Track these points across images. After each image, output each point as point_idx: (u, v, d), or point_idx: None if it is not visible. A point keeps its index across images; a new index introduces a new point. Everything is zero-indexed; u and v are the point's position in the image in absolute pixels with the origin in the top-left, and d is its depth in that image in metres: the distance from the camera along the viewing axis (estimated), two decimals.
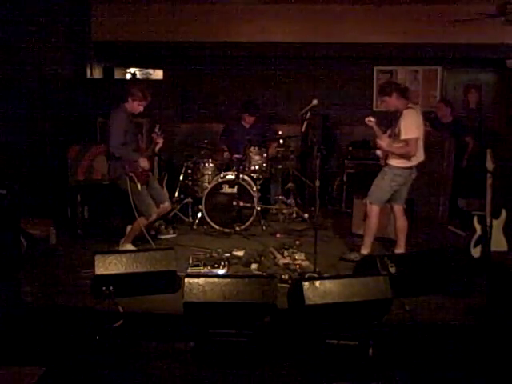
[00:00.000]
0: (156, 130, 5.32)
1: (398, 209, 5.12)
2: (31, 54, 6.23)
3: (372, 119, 4.86)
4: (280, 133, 6.82)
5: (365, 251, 5.02)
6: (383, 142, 4.89)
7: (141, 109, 5.10)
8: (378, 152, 5.05)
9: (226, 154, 6.70)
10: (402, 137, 4.80)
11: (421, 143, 4.92)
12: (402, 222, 5.11)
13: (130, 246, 5.18)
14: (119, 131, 4.97)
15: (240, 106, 6.99)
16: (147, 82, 8.32)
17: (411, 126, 4.80)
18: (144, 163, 5.07)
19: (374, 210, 4.99)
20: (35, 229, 5.41)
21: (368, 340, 3.47)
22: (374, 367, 3.39)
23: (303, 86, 8.01)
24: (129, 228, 5.26)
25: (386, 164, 4.95)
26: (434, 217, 6.53)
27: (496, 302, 3.88)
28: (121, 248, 5.14)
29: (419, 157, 4.95)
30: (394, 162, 4.89)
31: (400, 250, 5.11)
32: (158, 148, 5.37)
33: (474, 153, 6.83)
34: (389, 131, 5.00)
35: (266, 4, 7.51)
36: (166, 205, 5.40)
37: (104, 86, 7.48)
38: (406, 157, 4.84)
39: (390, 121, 5.05)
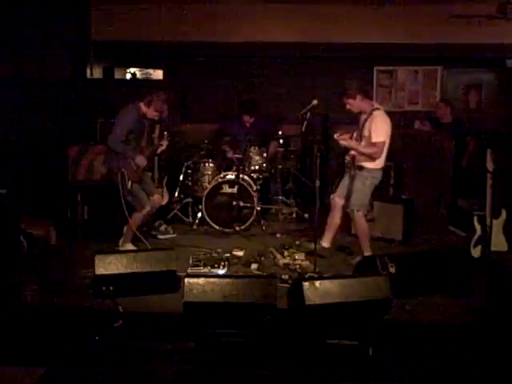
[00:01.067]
0: (165, 134, 5.35)
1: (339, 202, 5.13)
2: (31, 53, 6.23)
3: (344, 137, 4.85)
4: (280, 133, 6.81)
5: (367, 253, 4.99)
6: (348, 141, 4.85)
7: (154, 116, 5.13)
8: (347, 158, 5.04)
9: (229, 153, 6.68)
10: (373, 139, 4.77)
11: (388, 146, 4.90)
12: (363, 226, 5.07)
13: (129, 246, 5.19)
14: (123, 128, 4.96)
15: (238, 105, 6.99)
16: (147, 81, 8.33)
17: (381, 129, 4.79)
18: (141, 161, 5.06)
19: (360, 216, 4.98)
20: (35, 229, 5.40)
21: (368, 340, 3.47)
22: (373, 367, 3.39)
23: (303, 86, 8.00)
24: (125, 229, 5.25)
25: (361, 168, 4.90)
26: (434, 217, 6.53)
27: (496, 302, 3.88)
28: (121, 248, 5.15)
29: (384, 159, 4.94)
30: (371, 164, 4.87)
31: (326, 243, 5.13)
32: (160, 150, 5.38)
33: (473, 153, 6.83)
34: (355, 134, 4.97)
35: (265, 4, 7.51)
36: (156, 197, 5.37)
37: (104, 86, 7.48)
38: (372, 158, 4.83)
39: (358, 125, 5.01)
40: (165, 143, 5.31)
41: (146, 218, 5.33)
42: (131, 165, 5.00)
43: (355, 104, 4.86)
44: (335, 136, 4.89)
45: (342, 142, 4.86)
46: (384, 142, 4.81)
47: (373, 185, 4.95)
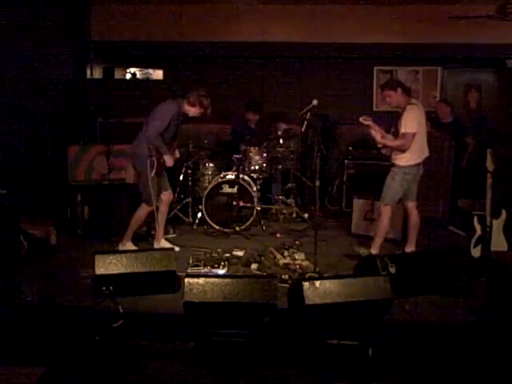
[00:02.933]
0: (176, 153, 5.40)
1: (411, 205, 5.16)
2: (31, 54, 6.22)
3: (368, 118, 4.88)
4: (283, 127, 6.79)
5: (374, 251, 5.05)
6: (377, 133, 4.91)
7: (196, 114, 5.16)
8: (384, 150, 5.09)
9: (242, 146, 6.62)
10: (402, 130, 4.83)
11: (424, 139, 4.95)
12: (415, 218, 5.18)
13: (130, 245, 5.19)
14: (164, 121, 4.96)
15: (244, 105, 7.01)
16: (147, 81, 8.33)
17: (412, 121, 4.82)
18: (170, 161, 5.09)
19: (387, 212, 5.03)
20: (35, 229, 5.40)
21: (368, 340, 3.47)
22: (373, 367, 3.39)
23: (303, 86, 8.00)
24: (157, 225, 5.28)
25: (394, 164, 4.97)
26: (434, 217, 6.53)
27: (496, 302, 3.88)
28: (121, 246, 5.16)
29: (425, 152, 4.98)
30: (401, 161, 4.92)
31: (411, 247, 5.18)
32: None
33: (473, 153, 6.83)
34: (392, 129, 5.04)
35: (265, 4, 7.51)
36: (168, 193, 5.39)
37: (104, 86, 7.48)
38: (402, 151, 4.86)
39: (395, 121, 5.07)
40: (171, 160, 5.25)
41: (162, 216, 5.35)
42: (160, 159, 5.02)
43: (395, 97, 4.92)
44: (361, 119, 4.89)
45: (372, 132, 4.89)
46: (413, 134, 4.80)
47: (404, 181, 4.95)
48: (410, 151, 4.87)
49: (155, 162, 4.99)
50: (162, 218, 5.34)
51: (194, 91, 5.13)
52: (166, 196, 5.36)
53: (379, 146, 5.08)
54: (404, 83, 5.16)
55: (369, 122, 4.87)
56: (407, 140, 4.80)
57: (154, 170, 5.00)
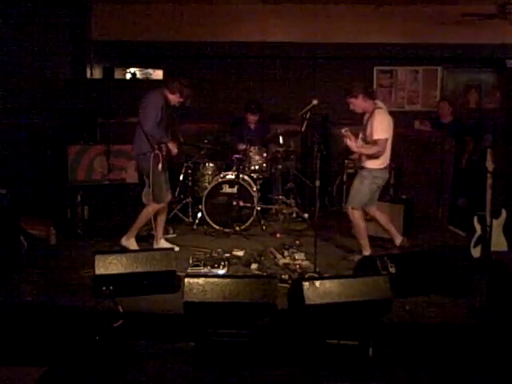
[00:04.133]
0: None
1: (374, 209, 5.21)
2: (31, 54, 6.23)
3: (347, 129, 4.91)
4: (279, 131, 6.80)
5: (367, 252, 5.05)
6: (352, 143, 4.90)
7: (180, 100, 5.12)
8: (353, 156, 5.10)
9: (241, 146, 6.64)
10: (374, 137, 4.83)
11: (389, 144, 4.95)
12: (382, 217, 5.24)
13: (133, 241, 5.18)
14: (157, 111, 4.93)
15: (244, 106, 7.01)
16: (147, 81, 8.33)
17: (382, 127, 4.83)
18: (174, 147, 5.09)
19: (357, 214, 5.02)
20: (35, 229, 5.40)
21: (368, 340, 3.46)
22: (373, 367, 3.39)
23: (303, 86, 8.00)
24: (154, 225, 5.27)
25: (362, 167, 4.97)
26: (434, 217, 6.54)
27: (496, 302, 3.88)
28: (124, 241, 5.17)
29: (388, 158, 4.99)
30: (371, 164, 4.92)
31: (399, 239, 5.21)
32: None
33: (474, 153, 6.83)
34: (360, 134, 5.03)
35: (265, 4, 7.51)
36: (169, 193, 5.37)
37: (104, 85, 7.48)
38: (376, 157, 4.88)
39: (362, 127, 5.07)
40: (175, 146, 5.23)
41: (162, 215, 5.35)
42: (163, 150, 5.01)
43: (357, 103, 4.92)
44: (343, 130, 4.91)
45: (347, 141, 4.89)
46: (385, 140, 4.83)
47: (374, 184, 4.97)
48: (385, 154, 4.92)
49: (160, 156, 4.98)
50: (161, 218, 5.33)
51: (176, 79, 5.10)
52: (168, 197, 5.35)
53: (354, 156, 5.11)
54: (368, 86, 5.12)
55: (348, 133, 4.89)
56: (381, 146, 4.82)
57: (161, 164, 4.99)
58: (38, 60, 6.38)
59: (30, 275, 4.56)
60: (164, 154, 5.04)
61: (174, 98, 5.10)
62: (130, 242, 5.17)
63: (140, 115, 5.00)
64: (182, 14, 7.55)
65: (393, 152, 5.53)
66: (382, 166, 4.94)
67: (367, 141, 4.92)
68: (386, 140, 4.83)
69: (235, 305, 3.55)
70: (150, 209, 5.16)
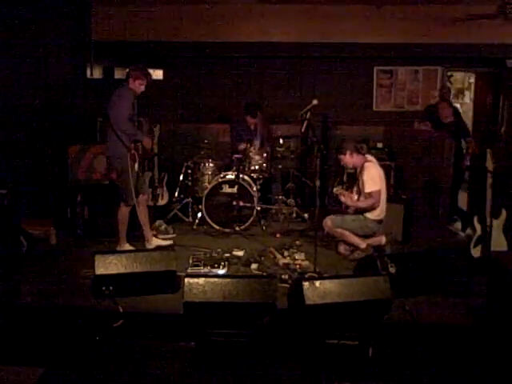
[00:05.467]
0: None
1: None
2: (31, 54, 6.22)
3: (337, 188, 5.30)
4: (279, 133, 6.81)
5: (363, 246, 5.12)
6: (346, 199, 5.17)
7: (143, 88, 5.13)
8: (349, 210, 5.33)
9: (240, 146, 6.63)
10: (366, 190, 5.06)
11: (385, 195, 5.17)
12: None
13: (127, 246, 5.19)
14: (127, 107, 4.94)
15: (243, 108, 7.01)
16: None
17: (373, 179, 5.09)
18: (147, 142, 5.12)
19: (329, 223, 5.21)
20: (35, 229, 5.40)
21: (368, 340, 3.47)
22: (373, 367, 3.39)
23: (303, 86, 8.00)
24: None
25: (359, 213, 5.20)
26: (434, 217, 6.53)
27: (496, 302, 3.88)
28: (119, 248, 5.16)
29: (384, 211, 5.18)
30: (369, 214, 5.15)
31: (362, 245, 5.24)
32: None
33: (474, 153, 6.82)
34: (355, 188, 5.27)
35: (265, 4, 7.50)
36: (145, 197, 5.40)
37: (104, 85, 7.46)
38: (373, 208, 5.10)
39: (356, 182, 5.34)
40: (149, 141, 5.25)
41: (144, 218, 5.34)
42: (139, 149, 5.03)
43: (346, 160, 5.24)
44: (334, 190, 5.27)
45: (341, 198, 5.18)
46: (378, 191, 5.06)
47: (362, 230, 5.16)
48: (380, 207, 5.13)
49: (135, 154, 4.99)
50: (144, 218, 5.31)
51: (136, 66, 5.16)
52: (145, 197, 5.37)
53: (351, 209, 5.30)
54: (355, 145, 5.36)
55: (339, 191, 5.20)
56: (375, 198, 5.06)
57: (137, 163, 4.99)
58: (38, 60, 6.37)
59: (30, 275, 4.56)
60: (140, 152, 5.04)
61: (140, 84, 5.09)
62: (124, 248, 5.18)
63: (111, 115, 4.98)
64: (182, 14, 7.54)
65: (393, 152, 5.57)
66: (378, 218, 5.16)
67: (362, 193, 5.15)
68: (379, 191, 5.07)
69: (235, 305, 3.55)
70: (122, 212, 5.15)
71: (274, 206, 6.69)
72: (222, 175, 6.26)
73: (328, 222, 5.24)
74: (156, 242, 5.39)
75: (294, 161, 6.99)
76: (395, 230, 5.64)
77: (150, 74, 5.19)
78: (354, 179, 5.42)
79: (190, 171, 6.55)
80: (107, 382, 3.26)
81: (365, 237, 5.19)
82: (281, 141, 6.71)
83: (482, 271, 4.50)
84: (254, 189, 6.22)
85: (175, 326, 3.71)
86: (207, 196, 6.10)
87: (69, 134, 6.72)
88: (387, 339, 3.58)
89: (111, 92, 5.12)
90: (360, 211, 5.19)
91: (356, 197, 5.25)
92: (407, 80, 8.00)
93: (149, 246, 5.29)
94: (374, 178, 5.10)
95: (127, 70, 5.20)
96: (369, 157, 5.30)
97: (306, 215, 6.44)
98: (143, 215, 5.30)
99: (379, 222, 5.19)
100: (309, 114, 5.10)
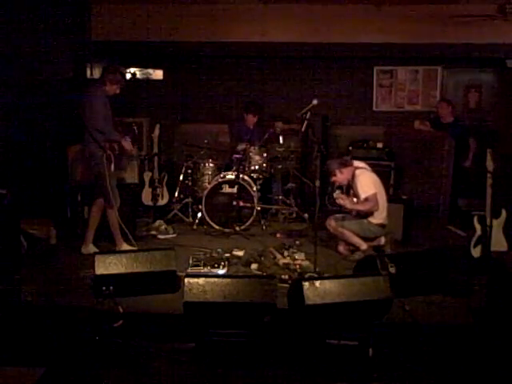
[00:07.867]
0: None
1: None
2: (31, 53, 6.22)
3: (337, 192, 5.38)
4: (278, 127, 6.79)
5: (364, 247, 5.13)
6: (345, 202, 5.16)
7: (118, 91, 5.08)
8: (352, 214, 5.34)
9: (240, 146, 6.63)
10: (362, 196, 5.10)
11: (384, 197, 5.20)
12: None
13: (125, 246, 5.18)
14: (102, 109, 4.89)
15: (243, 106, 7.01)
16: (147, 81, 8.33)
17: (367, 184, 5.12)
18: (128, 144, 5.06)
19: (333, 224, 5.28)
20: (35, 229, 5.40)
21: (368, 340, 3.46)
22: (373, 367, 3.38)
23: (303, 86, 8.00)
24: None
25: (362, 217, 5.22)
26: (434, 217, 6.53)
27: (496, 302, 3.88)
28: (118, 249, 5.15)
29: (385, 217, 5.21)
30: (372, 218, 5.17)
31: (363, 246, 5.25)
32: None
33: (474, 153, 6.81)
34: (355, 198, 5.27)
35: (265, 4, 7.50)
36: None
37: None
38: (372, 213, 5.12)
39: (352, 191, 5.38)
40: (128, 143, 5.14)
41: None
42: (115, 150, 4.98)
43: (338, 178, 5.26)
44: (334, 194, 5.30)
45: (340, 202, 5.17)
46: (374, 194, 5.08)
47: (363, 232, 5.18)
48: (380, 210, 5.14)
49: (111, 155, 4.94)
50: (93, 221, 5.21)
51: (117, 69, 5.11)
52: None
53: (353, 213, 5.30)
54: (341, 160, 5.41)
55: (339, 195, 5.24)
56: (372, 201, 5.08)
57: (113, 164, 4.95)
58: (38, 60, 6.37)
59: (30, 275, 4.56)
60: (117, 153, 5.00)
61: (113, 89, 5.04)
62: (122, 247, 5.17)
63: (86, 115, 4.94)
64: (182, 14, 7.54)
65: (393, 152, 5.56)
66: (379, 222, 5.17)
67: (358, 201, 5.19)
68: (375, 194, 5.08)
69: (235, 305, 3.55)
70: (109, 212, 5.10)
71: (274, 206, 6.69)
72: (221, 175, 6.26)
73: (331, 221, 5.27)
74: (92, 249, 5.16)
75: (294, 161, 6.99)
76: (395, 230, 5.64)
77: (125, 75, 5.12)
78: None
79: (190, 171, 6.55)
80: (107, 382, 3.26)
81: (366, 240, 5.19)
82: (281, 141, 6.71)
83: (482, 271, 4.49)
84: (254, 189, 6.22)
85: (175, 326, 3.71)
86: (207, 196, 6.10)
87: (69, 134, 6.72)
88: (387, 339, 3.58)
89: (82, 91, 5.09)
90: (363, 216, 5.19)
91: (355, 200, 5.25)
92: (407, 80, 8.01)
93: (83, 250, 5.16)
94: (366, 183, 5.12)
95: (102, 69, 5.12)
96: (357, 163, 5.33)
97: (306, 215, 6.44)
98: (95, 219, 5.19)
99: (382, 226, 5.20)
100: (309, 114, 5.11)
